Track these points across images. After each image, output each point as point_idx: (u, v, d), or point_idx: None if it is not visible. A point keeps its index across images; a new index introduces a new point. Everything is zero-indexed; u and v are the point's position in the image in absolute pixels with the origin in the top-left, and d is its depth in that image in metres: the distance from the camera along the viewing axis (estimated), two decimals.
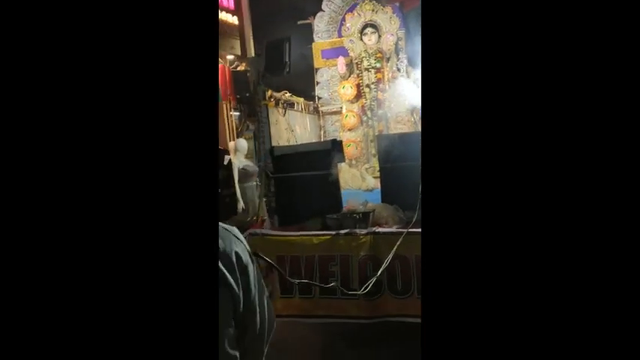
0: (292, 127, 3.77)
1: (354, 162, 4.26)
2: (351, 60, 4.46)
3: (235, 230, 0.90)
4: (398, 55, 4.45)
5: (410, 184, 2.78)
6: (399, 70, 4.37)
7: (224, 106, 5.90)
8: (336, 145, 3.18)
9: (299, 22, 4.93)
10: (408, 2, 4.59)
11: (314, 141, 4.26)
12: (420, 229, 2.56)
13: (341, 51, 4.55)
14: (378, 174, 3.85)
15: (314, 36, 4.84)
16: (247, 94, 4.38)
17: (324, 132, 4.61)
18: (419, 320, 2.59)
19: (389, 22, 4.36)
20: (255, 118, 3.75)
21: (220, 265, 0.82)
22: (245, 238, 0.94)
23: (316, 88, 4.78)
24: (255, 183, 4.59)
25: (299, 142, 3.84)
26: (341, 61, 4.46)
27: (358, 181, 4.04)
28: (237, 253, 0.85)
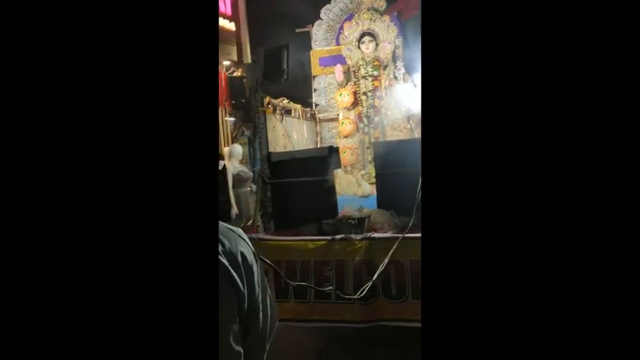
0: (289, 134, 3.81)
1: (349, 168, 4.30)
2: (349, 68, 4.52)
3: (240, 231, 0.93)
4: (395, 63, 4.51)
5: (405, 191, 2.81)
6: (395, 77, 4.43)
7: (219, 111, 5.94)
8: (333, 152, 3.22)
9: (297, 30, 4.98)
10: (406, 11, 4.65)
11: (311, 147, 4.30)
12: (415, 235, 2.60)
13: (339, 59, 4.61)
14: (373, 180, 3.90)
15: (312, 44, 4.89)
16: (243, 100, 4.43)
17: (321, 138, 4.65)
18: (413, 324, 2.58)
19: (386, 30, 4.43)
20: (250, 123, 3.79)
21: (226, 263, 0.85)
22: None
23: (313, 95, 4.83)
24: (249, 189, 4.61)
25: (296, 149, 3.88)
26: (338, 68, 4.52)
27: (354, 187, 4.08)
28: (242, 253, 0.88)
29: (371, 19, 4.45)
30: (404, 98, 4.14)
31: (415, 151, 2.94)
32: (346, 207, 3.19)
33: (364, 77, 4.39)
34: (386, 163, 3.05)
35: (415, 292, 2.56)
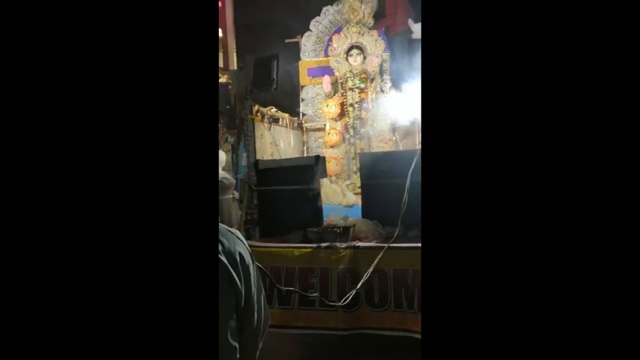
0: (277, 142, 3.85)
1: (333, 178, 4.35)
2: (337, 79, 4.59)
3: (238, 233, 0.97)
4: (382, 76, 4.60)
5: (390, 201, 2.88)
6: (382, 90, 4.51)
7: None
8: (319, 161, 3.27)
9: (287, 41, 5.05)
10: (393, 27, 4.76)
11: (297, 156, 4.35)
12: (399, 245, 2.66)
13: (327, 70, 4.68)
14: (358, 190, 3.95)
15: (301, 54, 4.96)
16: (227, 107, 4.44)
17: (307, 148, 4.70)
18: (395, 333, 2.63)
19: (374, 44, 4.52)
20: (234, 130, 3.82)
21: (226, 262, 0.89)
22: None
23: (301, 104, 4.88)
24: (232, 196, 4.62)
25: (282, 157, 3.92)
26: (326, 79, 4.58)
27: (339, 196, 4.13)
28: (240, 254, 0.92)
29: (359, 33, 4.54)
30: (390, 111, 4.22)
31: (400, 162, 3.03)
32: (331, 216, 3.24)
33: (351, 89, 4.47)
34: (371, 173, 3.11)
35: (397, 301, 2.61)
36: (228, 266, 0.89)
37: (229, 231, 0.96)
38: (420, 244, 2.64)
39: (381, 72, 4.61)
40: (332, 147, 4.49)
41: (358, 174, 4.13)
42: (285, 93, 4.63)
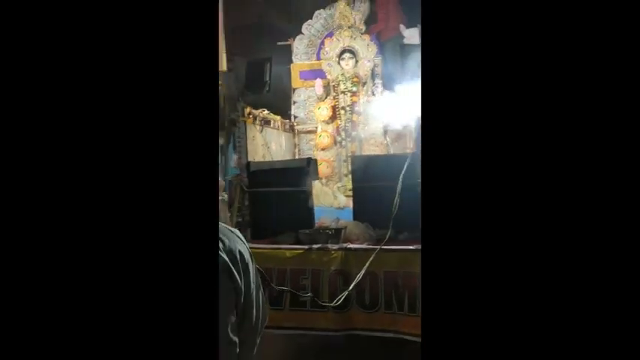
0: (268, 144, 3.87)
1: (324, 180, 4.37)
2: (329, 82, 4.62)
3: (238, 232, 0.99)
4: (374, 80, 4.64)
5: (381, 204, 2.91)
6: (374, 94, 4.55)
7: None
8: (311, 164, 3.29)
9: (279, 43, 5.06)
10: (385, 32, 4.81)
11: (289, 158, 4.36)
12: (390, 247, 2.69)
13: (319, 73, 4.70)
14: (349, 193, 3.98)
15: (293, 57, 4.98)
16: None
17: (299, 150, 4.72)
18: (385, 334, 2.66)
19: (366, 49, 4.56)
20: (222, 132, 3.82)
21: (227, 259, 0.91)
22: None
23: (293, 107, 4.90)
24: (220, 198, 4.62)
25: (274, 159, 3.93)
26: (319, 82, 4.61)
27: (330, 198, 4.16)
28: (240, 252, 0.95)
29: (352, 37, 4.58)
30: (381, 115, 4.26)
31: (392, 165, 3.06)
32: (323, 218, 3.26)
33: (343, 92, 4.50)
34: (363, 176, 3.14)
35: (388, 302, 2.64)
36: (229, 264, 0.92)
37: (230, 230, 0.99)
38: (410, 247, 2.68)
39: (373, 76, 4.65)
40: (323, 150, 4.51)
41: (349, 176, 4.17)
42: (276, 95, 4.65)
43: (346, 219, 3.21)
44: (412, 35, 4.76)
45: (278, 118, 4.33)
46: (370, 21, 4.85)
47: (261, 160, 3.68)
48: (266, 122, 3.98)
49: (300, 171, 3.19)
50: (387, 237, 2.75)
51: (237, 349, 0.94)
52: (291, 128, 4.69)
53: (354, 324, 2.67)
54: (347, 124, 4.45)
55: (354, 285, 2.63)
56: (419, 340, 2.51)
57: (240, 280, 0.95)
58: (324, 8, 4.95)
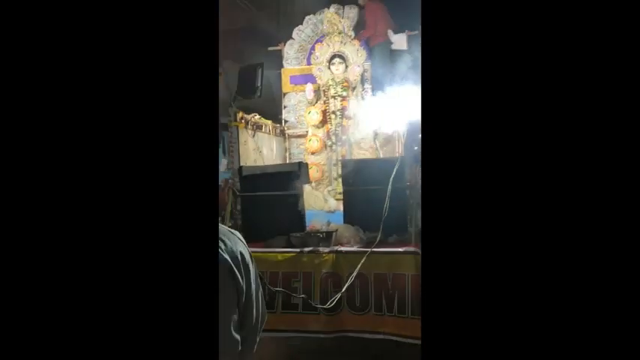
0: (260, 149, 3.91)
1: (313, 184, 4.41)
2: (319, 87, 4.67)
3: (238, 233, 1.03)
4: (363, 85, 4.70)
5: (371, 207, 2.97)
6: (363, 99, 4.61)
7: None
8: (303, 168, 3.34)
9: (270, 48, 5.11)
10: (374, 38, 4.88)
11: (280, 162, 4.40)
12: (380, 249, 2.75)
13: (309, 78, 4.75)
14: (339, 196, 4.03)
15: (283, 62, 5.03)
16: None
17: (290, 154, 4.76)
18: (375, 336, 2.70)
19: (356, 54, 4.62)
20: None
21: (229, 259, 0.95)
22: None
23: (283, 111, 4.94)
24: None
25: (265, 163, 3.97)
26: (309, 87, 4.66)
27: (320, 202, 4.20)
28: (241, 253, 0.99)
29: (341, 42, 4.64)
30: (371, 119, 4.31)
31: (381, 169, 3.11)
32: (314, 221, 3.31)
33: (333, 97, 4.56)
34: (353, 180, 3.20)
35: (377, 304, 2.69)
36: (231, 264, 0.96)
37: (231, 232, 1.03)
38: (399, 249, 2.74)
39: (363, 81, 4.72)
40: (313, 154, 4.56)
41: (339, 180, 4.22)
42: (267, 100, 4.69)
43: (337, 222, 3.26)
44: (400, 41, 4.85)
45: (269, 122, 4.37)
46: (359, 27, 4.92)
47: (253, 164, 3.72)
48: (258, 127, 4.02)
49: (292, 175, 3.24)
50: (378, 239, 2.80)
51: (240, 347, 0.98)
52: (282, 132, 4.73)
53: (344, 326, 2.71)
54: (337, 129, 4.50)
55: (346, 287, 2.67)
56: (408, 341, 2.57)
57: (242, 279, 0.99)
58: (314, 14, 5.01)
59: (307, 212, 3.32)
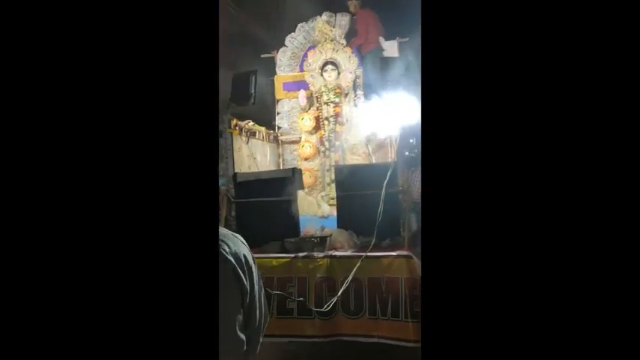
0: (254, 155, 3.94)
1: (306, 190, 4.44)
2: (312, 93, 4.72)
3: (240, 237, 1.06)
4: (355, 91, 4.76)
5: (364, 212, 3.01)
6: (356, 105, 4.66)
7: None
8: (296, 174, 3.38)
9: (262, 55, 5.15)
10: (366, 45, 4.95)
11: (273, 169, 4.43)
12: (373, 254, 2.78)
13: (302, 84, 4.80)
14: (332, 202, 4.07)
15: (276, 69, 5.07)
16: None
17: (283, 160, 4.79)
18: (370, 339, 2.73)
19: (348, 61, 4.68)
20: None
21: (233, 261, 0.98)
22: None
23: (277, 118, 4.98)
24: None
25: (259, 169, 4.00)
26: (302, 93, 4.70)
27: (314, 207, 4.24)
28: (244, 255, 1.02)
29: (334, 49, 4.70)
30: (363, 125, 4.37)
31: (374, 174, 3.16)
32: (308, 226, 3.34)
33: (326, 103, 4.60)
34: (346, 185, 3.24)
35: (371, 308, 2.72)
36: (235, 265, 0.99)
37: (233, 235, 1.06)
38: (392, 253, 2.77)
39: (355, 87, 4.77)
40: (306, 159, 4.60)
41: (332, 186, 4.26)
42: (260, 107, 4.73)
43: (330, 227, 3.29)
44: (391, 48, 4.92)
45: (263, 129, 4.40)
46: (351, 35, 4.98)
47: (247, 170, 3.74)
48: (251, 133, 4.05)
49: (286, 181, 3.28)
50: (372, 244, 2.84)
51: (245, 347, 1.01)
52: (276, 139, 4.76)
53: (339, 330, 2.74)
54: (330, 135, 4.55)
55: (338, 291, 2.71)
56: (402, 344, 2.60)
57: (246, 281, 1.02)
58: (306, 21, 5.07)
59: (301, 218, 3.35)
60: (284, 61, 5.08)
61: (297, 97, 4.79)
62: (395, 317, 2.65)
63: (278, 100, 5.02)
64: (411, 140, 4.27)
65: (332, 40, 4.69)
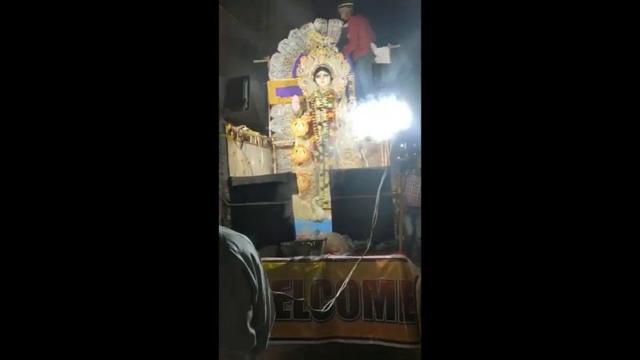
0: (248, 160, 3.96)
1: (300, 194, 4.47)
2: (305, 99, 4.76)
3: (246, 237, 1.09)
4: (348, 97, 4.81)
5: (359, 216, 3.05)
6: (348, 110, 4.71)
7: None
8: (291, 178, 3.41)
9: (255, 61, 5.18)
10: (358, 51, 5.01)
11: (267, 173, 4.46)
12: (368, 257, 2.82)
13: (295, 90, 4.84)
14: (326, 206, 4.10)
15: (269, 74, 5.11)
16: None
17: (277, 165, 4.82)
18: (365, 342, 2.77)
19: (340, 67, 4.73)
20: None
21: (242, 260, 1.00)
22: None
23: (270, 123, 5.01)
24: None
25: (254, 174, 4.02)
26: (295, 99, 4.74)
27: (308, 212, 4.26)
28: (251, 254, 1.05)
29: (326, 55, 4.75)
30: (356, 130, 4.41)
31: (368, 179, 3.20)
32: (303, 230, 3.37)
33: (319, 108, 4.65)
34: (341, 189, 3.27)
35: (367, 311, 2.76)
36: (245, 264, 1.02)
37: (239, 235, 1.09)
38: (387, 256, 2.81)
39: (347, 93, 4.82)
40: (300, 164, 4.63)
41: (326, 190, 4.29)
42: (254, 112, 4.76)
43: (325, 231, 3.32)
44: (383, 54, 4.99)
45: (257, 134, 4.43)
46: (343, 42, 5.04)
47: (242, 175, 3.76)
48: (245, 138, 4.07)
49: (281, 185, 3.30)
50: (368, 247, 2.87)
51: (255, 342, 1.04)
52: (269, 144, 4.79)
53: (335, 332, 2.77)
54: (324, 139, 4.59)
55: (334, 294, 2.74)
56: (397, 346, 2.64)
57: (255, 279, 1.05)
58: (298, 27, 5.12)
59: (295, 222, 3.38)
60: (277, 66, 5.12)
61: (290, 103, 4.82)
62: (390, 319, 2.69)
63: (271, 106, 5.05)
64: (402, 145, 4.33)
65: (324, 47, 4.74)
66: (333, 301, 2.69)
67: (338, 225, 3.23)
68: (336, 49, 4.81)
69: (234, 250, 1.04)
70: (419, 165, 5.53)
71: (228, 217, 3.27)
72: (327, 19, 5.12)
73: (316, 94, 4.67)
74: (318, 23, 5.06)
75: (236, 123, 3.96)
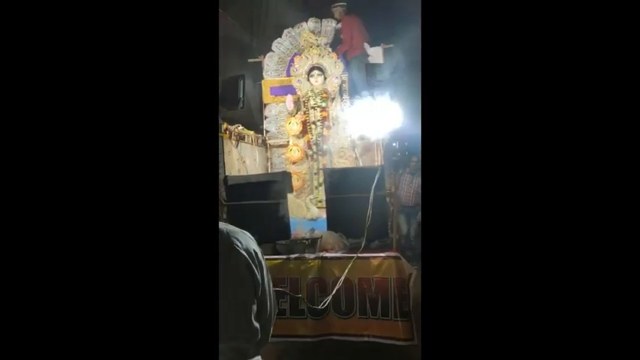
0: (244, 159, 3.98)
1: (295, 193, 4.50)
2: (299, 98, 4.78)
3: (248, 233, 1.12)
4: (341, 96, 4.84)
5: (354, 214, 3.09)
6: (342, 109, 4.74)
7: None
8: (286, 177, 3.44)
9: (250, 60, 5.20)
10: (351, 51, 5.04)
11: (262, 172, 4.48)
12: (363, 255, 2.86)
13: (289, 89, 4.86)
14: (320, 204, 4.14)
15: (264, 73, 5.13)
16: None
17: (271, 164, 4.84)
18: (360, 338, 2.81)
19: (334, 66, 4.77)
20: None
21: (246, 255, 1.03)
22: None
23: (264, 122, 5.03)
24: None
25: (249, 173, 4.04)
26: (289, 98, 4.77)
27: (303, 210, 4.29)
28: (254, 250, 1.08)
29: (320, 55, 4.78)
30: (349, 129, 4.45)
31: (362, 178, 3.23)
32: (298, 228, 3.40)
33: (313, 108, 4.68)
34: (336, 188, 3.31)
35: (362, 308, 2.80)
36: (248, 260, 1.05)
37: (242, 232, 1.12)
38: (381, 254, 2.85)
39: (341, 92, 4.85)
40: (294, 163, 4.66)
41: (320, 189, 4.33)
42: (248, 111, 4.77)
43: (319, 229, 3.35)
44: (376, 54, 5.02)
45: (251, 133, 4.45)
46: (336, 42, 5.07)
47: (237, 174, 3.79)
48: (241, 137, 4.09)
49: (276, 184, 3.33)
50: (363, 245, 2.91)
51: (259, 335, 1.07)
52: (264, 143, 4.81)
53: (331, 329, 2.81)
54: (318, 138, 4.62)
55: (330, 291, 2.77)
56: (392, 342, 2.68)
57: (258, 274, 1.08)
58: (292, 27, 5.14)
59: (290, 220, 3.40)
60: (271, 65, 5.14)
61: (284, 102, 4.85)
62: (385, 316, 2.73)
63: (265, 105, 5.07)
64: (394, 144, 4.37)
65: (318, 46, 4.77)
66: (329, 298, 2.73)
67: (332, 223, 3.27)
68: (330, 50, 4.84)
69: (238, 246, 1.07)
70: (412, 164, 5.59)
71: (224, 216, 3.29)
72: (321, 19, 5.15)
73: (310, 94, 4.70)
74: (311, 23, 5.09)
75: (231, 122, 3.97)
